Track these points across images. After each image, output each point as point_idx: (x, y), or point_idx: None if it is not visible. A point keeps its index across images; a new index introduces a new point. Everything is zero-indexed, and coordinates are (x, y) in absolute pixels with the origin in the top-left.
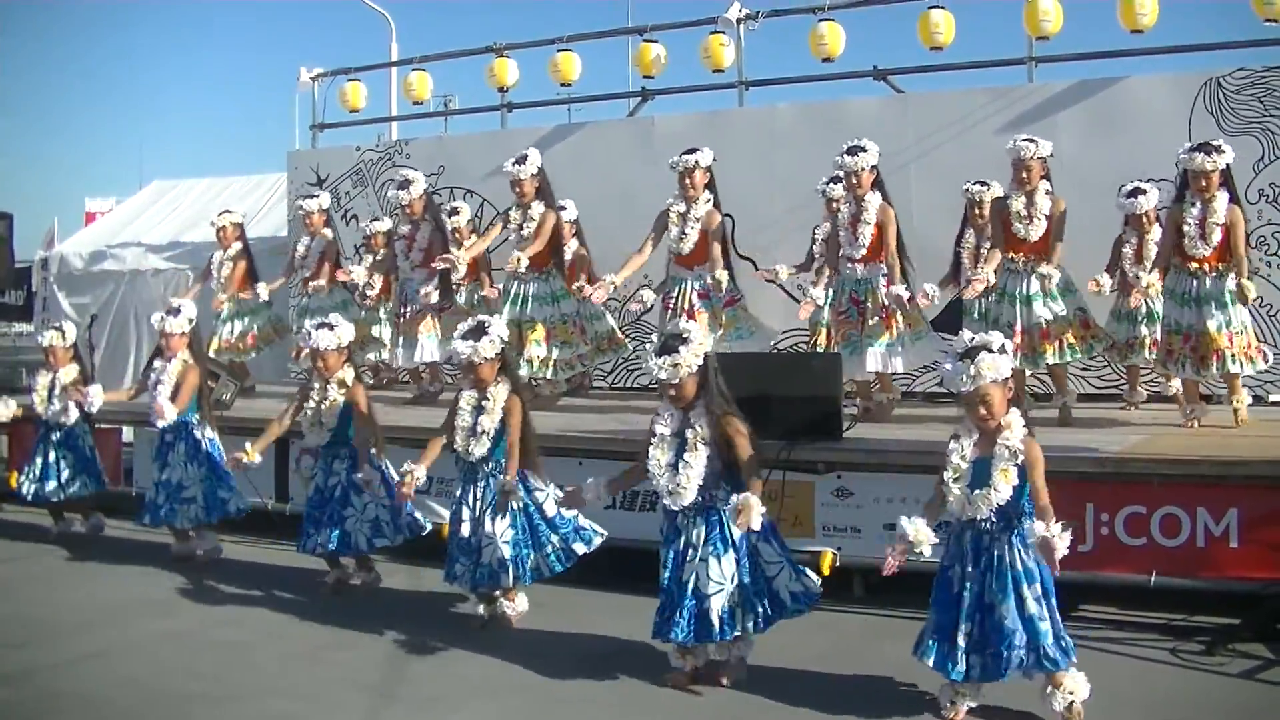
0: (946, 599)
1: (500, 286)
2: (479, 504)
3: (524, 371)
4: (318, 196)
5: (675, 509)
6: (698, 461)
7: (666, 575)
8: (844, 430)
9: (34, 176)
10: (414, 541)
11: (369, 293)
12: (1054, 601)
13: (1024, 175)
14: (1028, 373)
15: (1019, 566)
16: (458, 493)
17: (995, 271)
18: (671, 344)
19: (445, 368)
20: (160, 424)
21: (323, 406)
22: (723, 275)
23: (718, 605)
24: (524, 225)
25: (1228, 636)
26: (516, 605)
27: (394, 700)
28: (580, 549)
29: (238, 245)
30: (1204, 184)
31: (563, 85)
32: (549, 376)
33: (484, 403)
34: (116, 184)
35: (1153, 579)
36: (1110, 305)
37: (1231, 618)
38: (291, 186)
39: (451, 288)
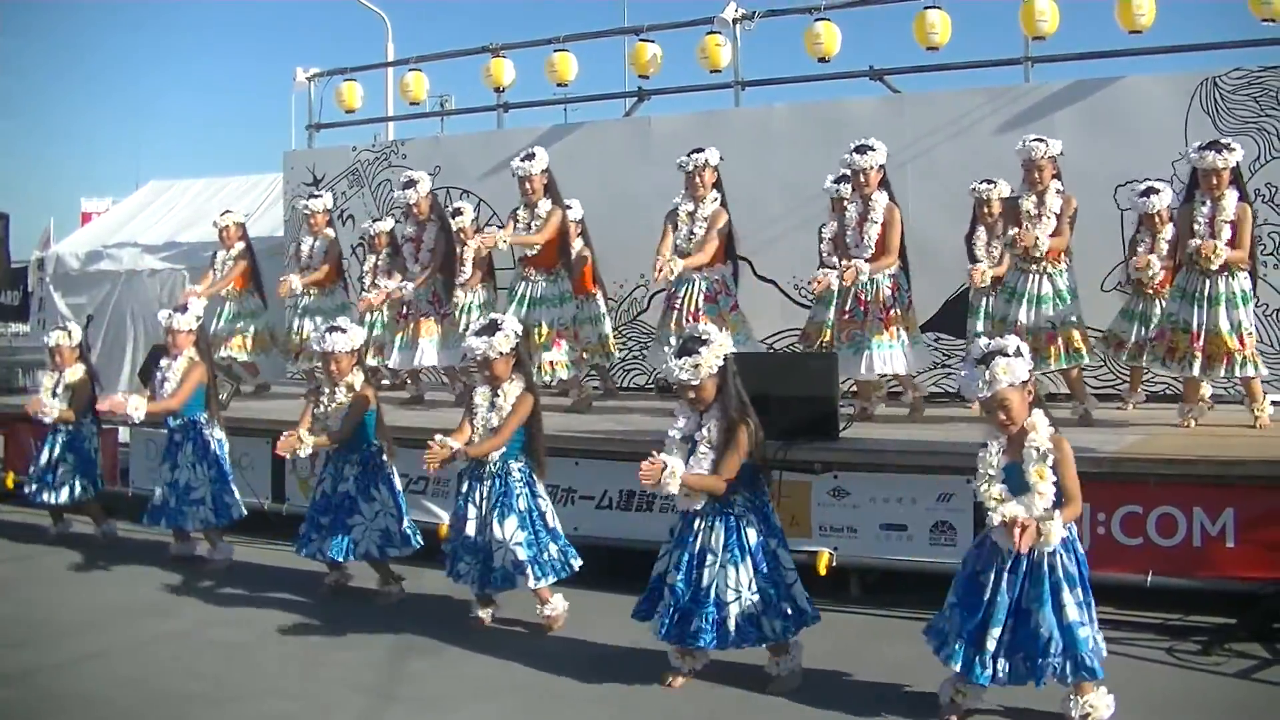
0: (976, 602)
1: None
2: (485, 503)
3: (543, 378)
4: (321, 196)
5: (683, 510)
6: (707, 464)
7: (680, 577)
8: (840, 430)
9: (30, 177)
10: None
11: (369, 296)
12: (1093, 605)
13: (1036, 175)
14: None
15: (1059, 571)
16: (463, 489)
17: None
18: (692, 345)
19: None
20: (132, 416)
21: (330, 410)
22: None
23: (734, 613)
24: (532, 223)
25: (1224, 636)
26: (555, 606)
27: (393, 700)
28: (575, 563)
29: (240, 245)
30: (1214, 182)
31: (559, 85)
32: (563, 376)
33: (496, 399)
34: (113, 184)
35: (1149, 579)
36: (1114, 304)
37: (1228, 617)
38: (288, 187)
39: (453, 289)
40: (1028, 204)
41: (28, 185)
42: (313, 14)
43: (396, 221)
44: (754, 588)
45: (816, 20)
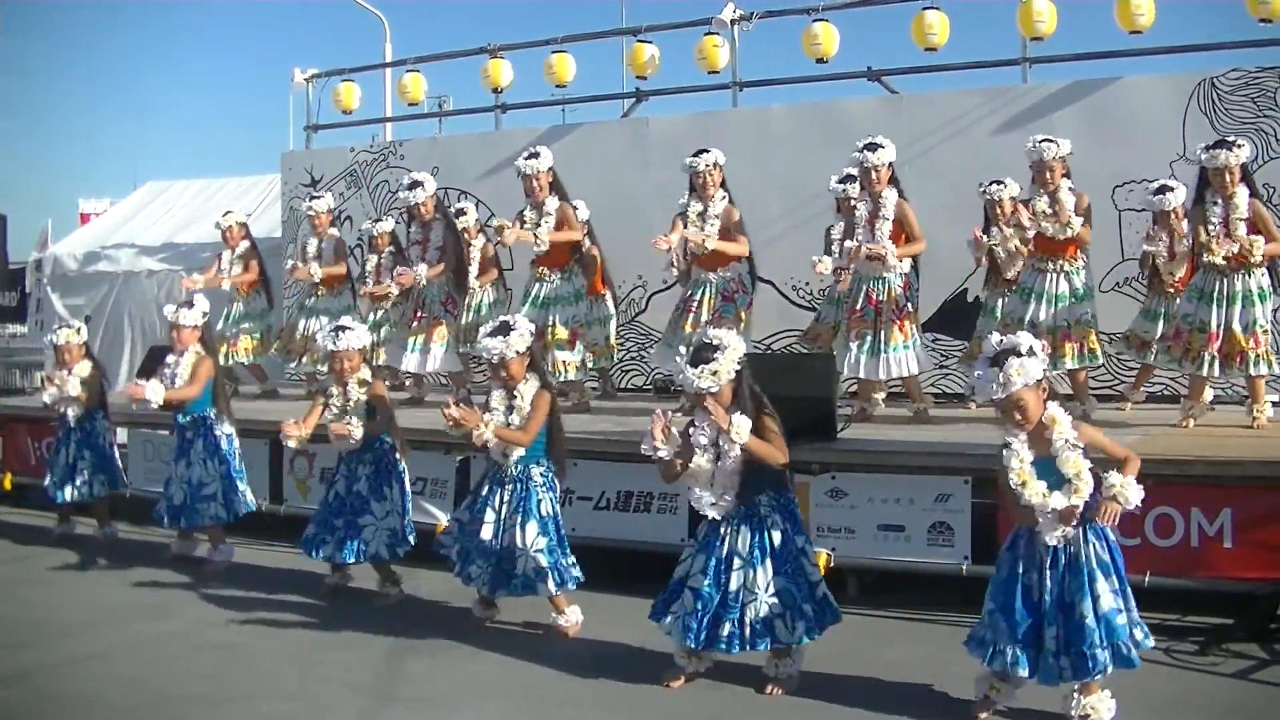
0: (1025, 604)
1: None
2: (505, 507)
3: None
4: (323, 197)
5: (714, 518)
6: (734, 467)
7: (708, 582)
8: (839, 431)
9: (28, 177)
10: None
11: (375, 289)
12: (1128, 589)
13: (1047, 176)
14: (1054, 373)
15: (1094, 561)
16: (483, 492)
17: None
18: (706, 353)
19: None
20: (148, 403)
21: (349, 408)
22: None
23: (751, 615)
24: (541, 222)
25: (1221, 636)
26: (570, 616)
27: (392, 701)
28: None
29: (245, 244)
30: (1226, 180)
31: (557, 86)
32: (574, 376)
33: (514, 401)
34: (110, 185)
35: (1147, 579)
36: (1114, 304)
37: (1225, 618)
38: (285, 188)
39: (465, 288)
40: (1040, 204)
41: (26, 186)
42: (311, 15)
43: (397, 222)
44: (772, 590)
45: (814, 21)
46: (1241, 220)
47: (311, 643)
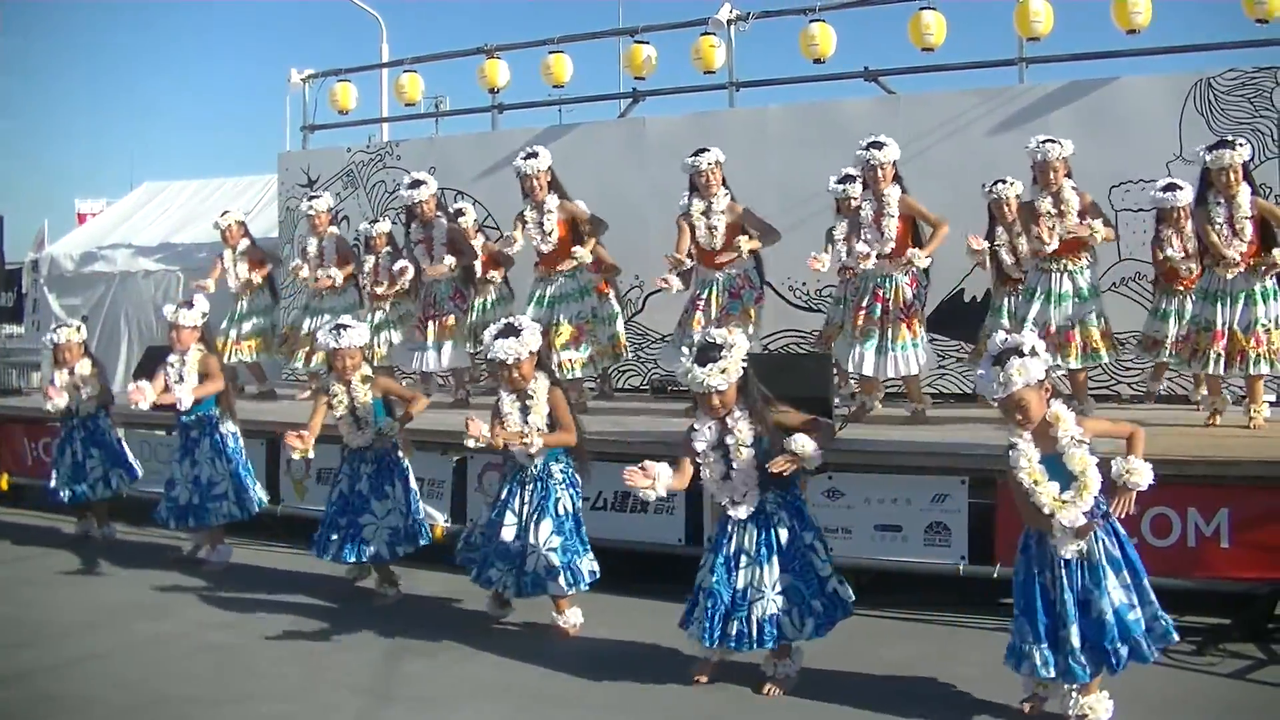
0: (1045, 604)
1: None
2: (526, 508)
3: (558, 375)
4: (321, 196)
5: (741, 518)
6: (748, 465)
7: (715, 581)
8: (836, 431)
9: (25, 178)
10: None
11: (378, 289)
12: (1148, 583)
13: (1050, 177)
14: (1057, 373)
15: (1103, 557)
16: (502, 495)
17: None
18: (713, 353)
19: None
20: (183, 407)
21: (357, 405)
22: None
23: (758, 613)
24: (544, 221)
25: (1219, 636)
26: (570, 618)
27: (391, 701)
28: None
29: (245, 242)
30: (1228, 180)
31: (554, 87)
32: (579, 374)
33: (528, 402)
34: (107, 185)
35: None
36: (1114, 304)
37: (1222, 618)
38: (282, 188)
39: (474, 282)
40: (1045, 205)
41: (23, 186)
42: (307, 15)
43: (394, 222)
44: (779, 588)
45: (811, 21)
46: (1246, 219)
47: (311, 643)
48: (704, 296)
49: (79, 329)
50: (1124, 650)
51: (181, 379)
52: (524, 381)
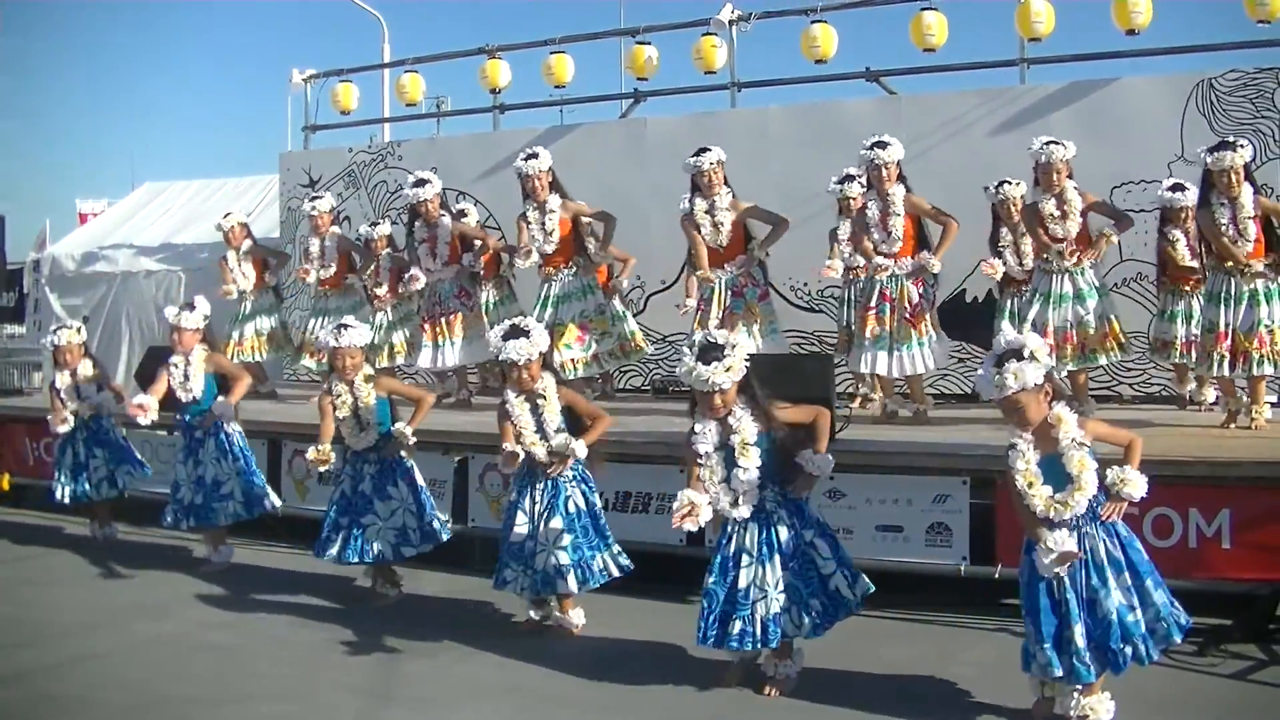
0: (1051, 604)
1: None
2: (537, 506)
3: (560, 376)
4: (323, 197)
5: (745, 517)
6: (751, 464)
7: (713, 580)
8: (836, 432)
9: (26, 178)
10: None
11: (379, 291)
12: (1150, 583)
13: (1053, 178)
14: (1059, 376)
15: (1105, 559)
16: (513, 496)
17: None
18: (715, 352)
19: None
20: (230, 419)
21: (360, 406)
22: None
23: (762, 611)
24: (546, 222)
25: (1220, 637)
26: (573, 618)
27: (390, 701)
28: (617, 569)
29: (248, 243)
30: (1230, 181)
31: (555, 87)
32: (582, 374)
33: (539, 402)
34: (108, 185)
35: None
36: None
37: (1224, 618)
38: (284, 188)
39: (480, 281)
40: (1048, 206)
41: (24, 186)
42: (309, 15)
43: (393, 223)
44: (780, 587)
45: (813, 22)
46: (1250, 219)
47: (311, 644)
48: (706, 298)
49: (78, 330)
50: (1128, 651)
51: (187, 378)
52: (532, 382)
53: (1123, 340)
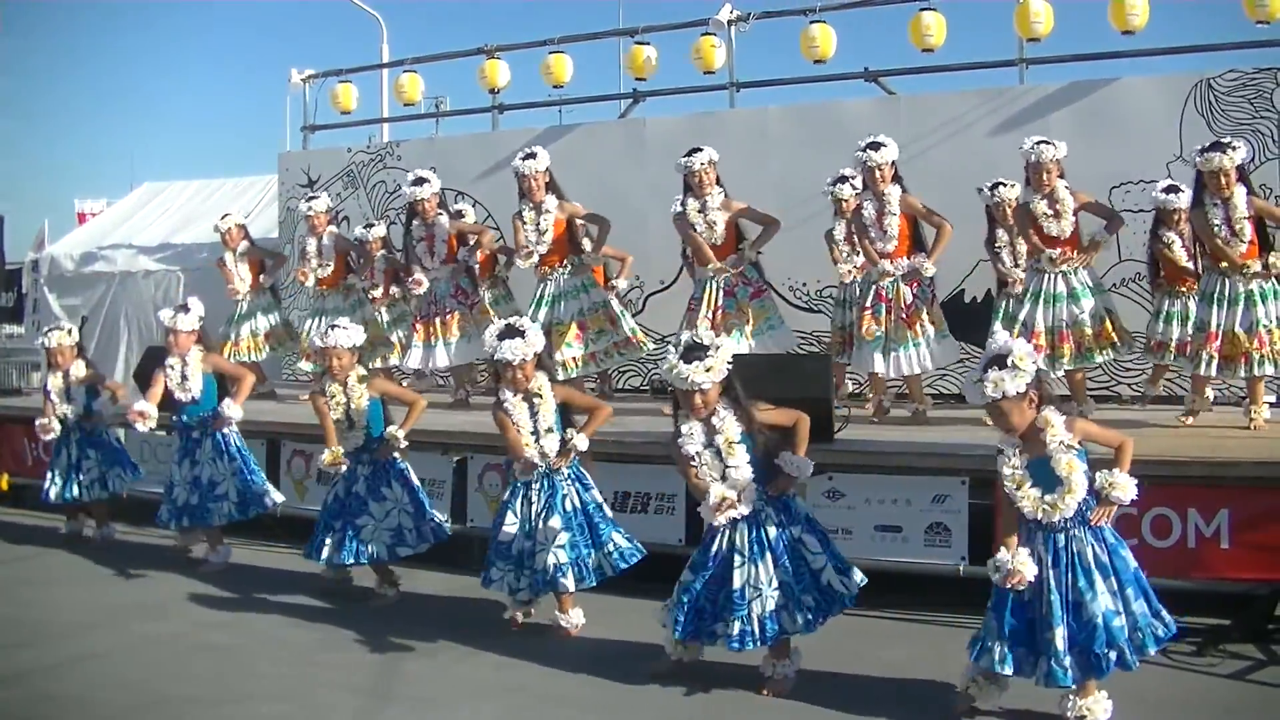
0: (1017, 604)
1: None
2: (533, 507)
3: (561, 376)
4: (320, 197)
5: (743, 514)
6: (741, 461)
7: (694, 577)
8: (836, 432)
9: (25, 178)
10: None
11: (374, 293)
12: (1131, 592)
13: (1043, 178)
14: (1051, 375)
15: (1092, 562)
16: (506, 495)
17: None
18: (698, 352)
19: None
20: (236, 419)
21: (352, 407)
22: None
23: (758, 610)
24: (540, 222)
25: (1218, 637)
26: (572, 618)
27: (389, 701)
28: (640, 548)
29: (245, 244)
30: (1222, 182)
31: (554, 87)
32: (584, 372)
33: (534, 400)
34: (107, 185)
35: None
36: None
37: (1222, 618)
38: (283, 188)
39: (478, 281)
40: (1040, 206)
41: (23, 186)
42: (307, 15)
43: (391, 223)
44: (774, 584)
45: (812, 22)
46: (1244, 219)
47: (310, 643)
48: (698, 297)
49: (70, 331)
50: (1112, 656)
51: (185, 379)
52: (526, 381)
53: (1123, 336)
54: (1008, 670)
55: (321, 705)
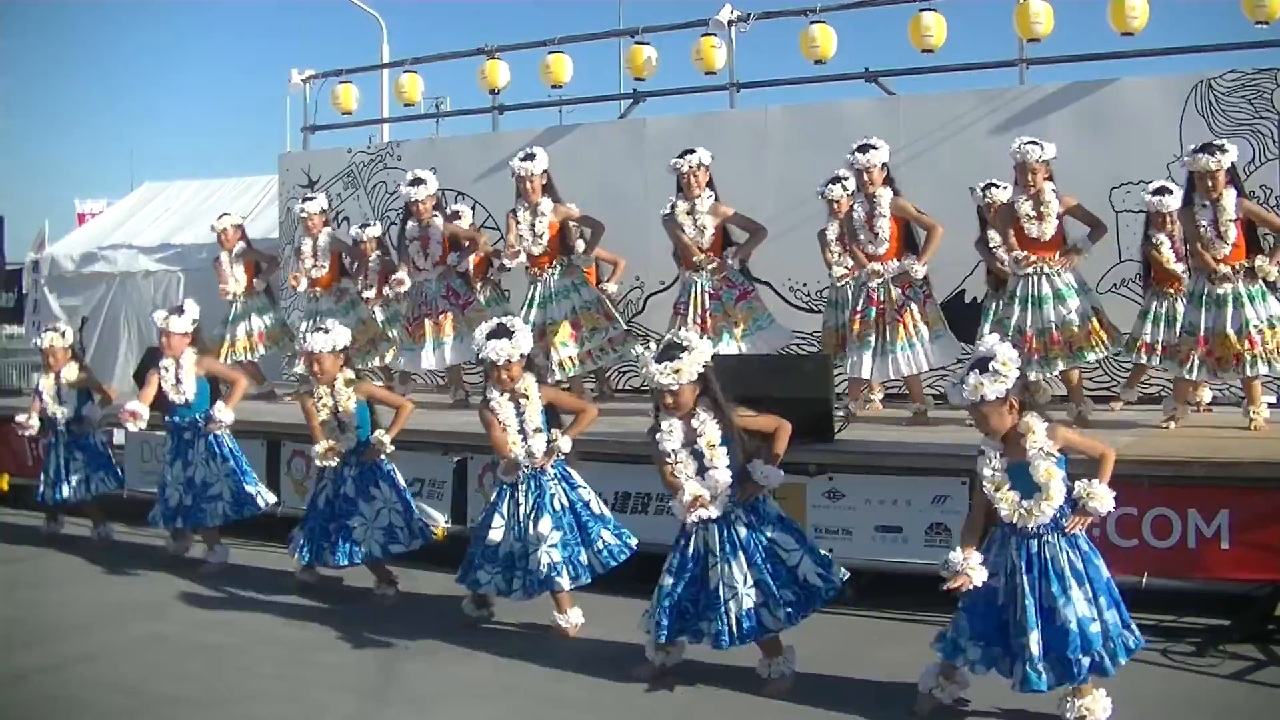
0: (989, 604)
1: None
2: (520, 509)
3: (558, 375)
4: (316, 198)
5: (713, 516)
6: (721, 463)
7: (672, 580)
8: (836, 432)
9: (25, 178)
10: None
11: (367, 294)
12: (1104, 601)
13: (1029, 178)
14: (1046, 376)
15: (1068, 569)
16: (492, 497)
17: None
18: (672, 351)
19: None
20: (228, 422)
21: (340, 410)
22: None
23: (735, 609)
24: (535, 223)
25: (1218, 637)
26: (571, 617)
27: (384, 702)
28: (632, 542)
29: (241, 245)
30: (1210, 184)
31: (554, 87)
32: (580, 371)
33: (521, 400)
34: (107, 186)
35: (1144, 580)
36: (1112, 305)
37: (1222, 619)
38: (283, 188)
39: (472, 282)
40: (1024, 207)
41: (23, 186)
42: (308, 16)
43: (391, 224)
44: (749, 582)
45: (812, 22)
46: (1231, 222)
47: (308, 644)
48: (684, 300)
49: (63, 334)
50: (1086, 662)
51: (179, 381)
52: (513, 382)
53: (1111, 334)
54: (979, 671)
55: (320, 705)
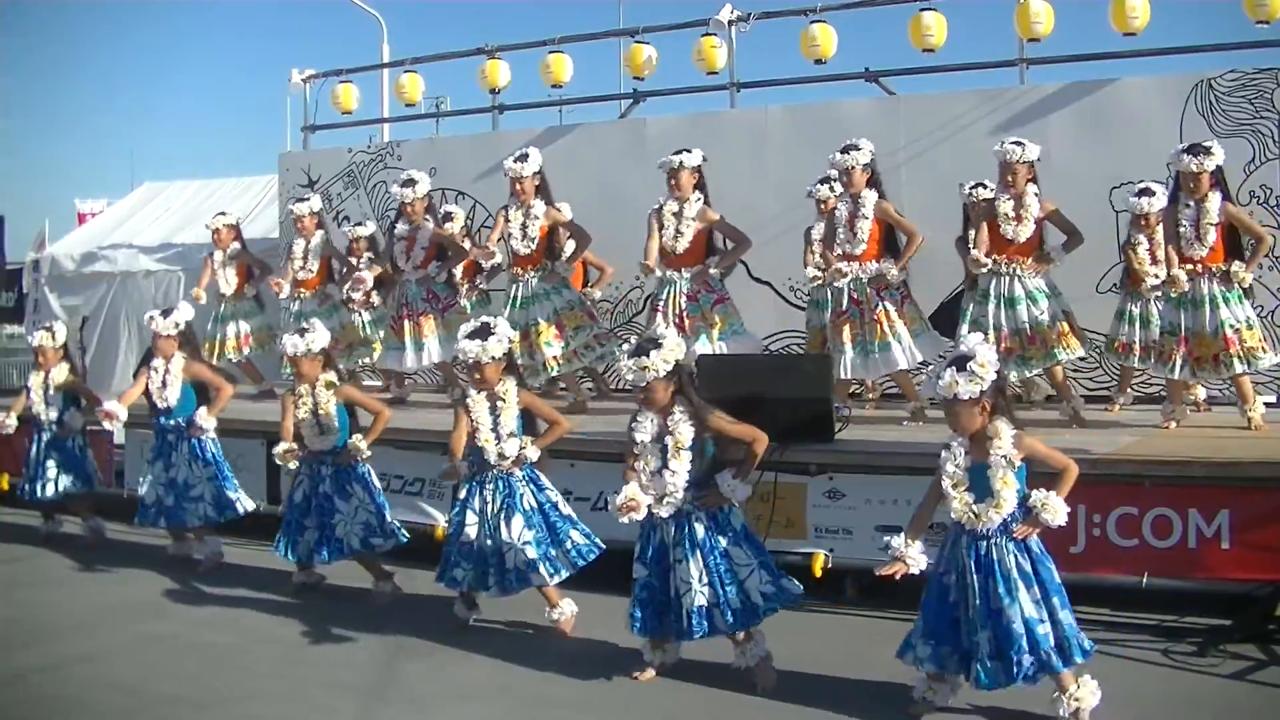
0: (941, 602)
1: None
2: (490, 507)
3: (544, 374)
4: (308, 199)
5: (665, 516)
6: (681, 468)
7: (645, 572)
8: (836, 432)
9: (26, 178)
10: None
11: (354, 295)
12: (1057, 602)
13: (1009, 178)
14: (1027, 375)
15: (1015, 571)
16: (462, 495)
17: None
18: (645, 347)
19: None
20: (209, 429)
21: (319, 412)
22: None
23: (687, 604)
24: (526, 224)
25: (1219, 637)
26: (563, 608)
27: (384, 702)
28: (600, 542)
29: (235, 245)
30: (1193, 186)
31: (554, 87)
32: (567, 369)
33: (498, 403)
34: (107, 185)
35: (1144, 580)
36: (1111, 305)
37: (1223, 619)
38: (283, 188)
39: (456, 286)
40: (1005, 207)
41: (23, 186)
42: (308, 16)
43: (392, 224)
44: (705, 580)
45: (812, 22)
46: (1212, 225)
47: (306, 644)
48: (662, 299)
49: (54, 335)
50: (1028, 660)
51: (165, 385)
52: (490, 384)
53: (1080, 339)
54: (930, 668)
55: (318, 705)
